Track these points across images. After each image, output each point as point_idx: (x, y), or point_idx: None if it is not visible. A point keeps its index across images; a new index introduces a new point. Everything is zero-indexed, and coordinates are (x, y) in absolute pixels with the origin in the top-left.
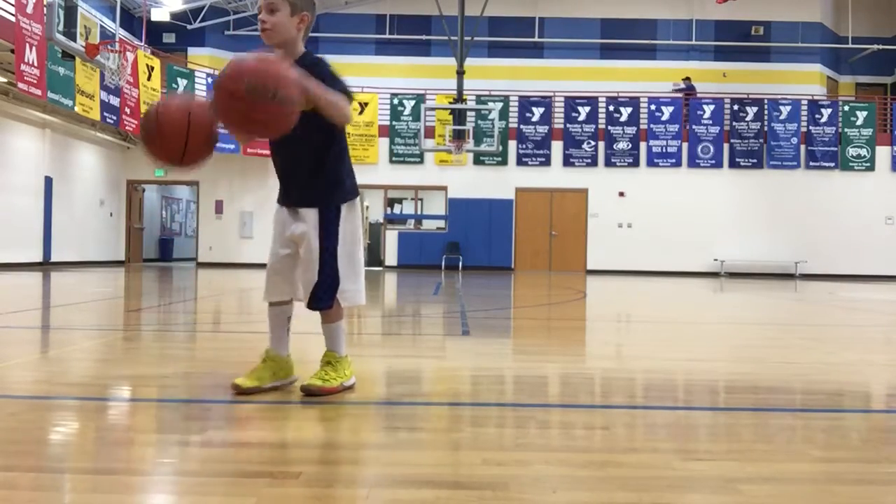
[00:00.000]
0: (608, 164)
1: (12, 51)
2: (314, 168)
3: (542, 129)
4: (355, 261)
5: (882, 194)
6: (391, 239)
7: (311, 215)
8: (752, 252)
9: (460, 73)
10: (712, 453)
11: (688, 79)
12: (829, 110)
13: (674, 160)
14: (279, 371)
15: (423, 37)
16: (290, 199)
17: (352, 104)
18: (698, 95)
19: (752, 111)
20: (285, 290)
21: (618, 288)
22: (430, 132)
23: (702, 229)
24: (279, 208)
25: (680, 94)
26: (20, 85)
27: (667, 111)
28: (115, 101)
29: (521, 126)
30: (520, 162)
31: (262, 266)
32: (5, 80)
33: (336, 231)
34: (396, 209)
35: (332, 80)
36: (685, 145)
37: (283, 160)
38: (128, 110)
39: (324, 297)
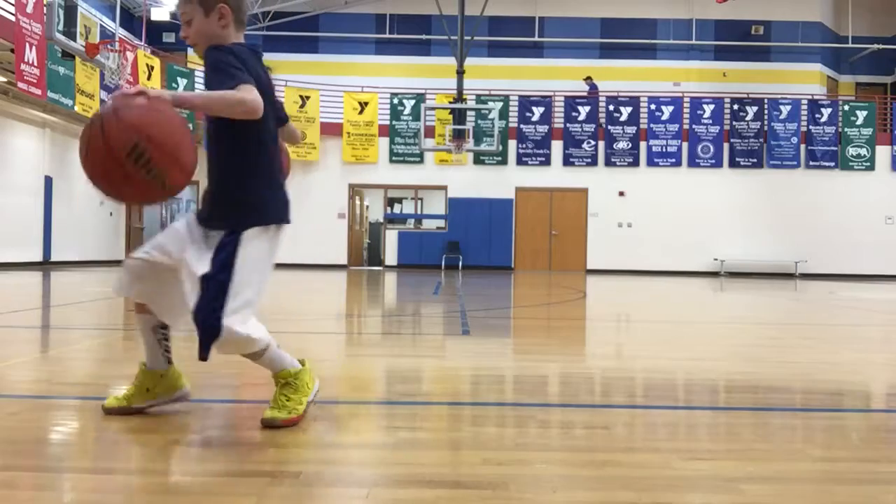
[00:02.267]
0: (608, 163)
1: (12, 50)
2: (217, 180)
3: (542, 128)
4: (244, 298)
5: (882, 194)
6: (391, 238)
7: (212, 237)
8: (752, 251)
9: (460, 72)
10: (712, 453)
11: (589, 78)
12: (829, 110)
13: (674, 160)
14: (156, 388)
15: (423, 36)
16: (200, 214)
17: (242, 92)
18: (696, 95)
19: (751, 111)
20: (143, 287)
21: (618, 287)
22: (430, 132)
23: (702, 229)
24: (191, 216)
25: (585, 93)
26: (20, 84)
27: (667, 111)
28: None
29: (521, 125)
30: (520, 161)
31: None
32: (5, 79)
33: (229, 260)
34: (396, 209)
35: (210, 73)
36: (685, 145)
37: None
38: None
39: (205, 342)
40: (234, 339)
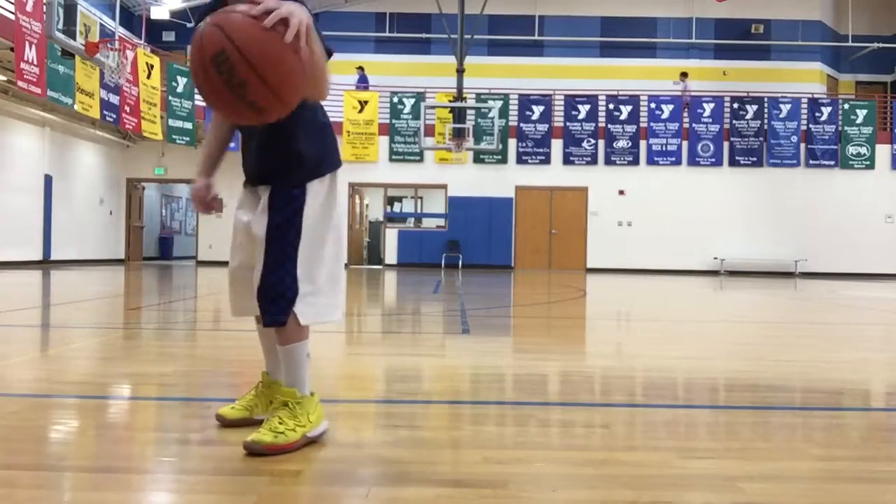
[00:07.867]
0: (608, 162)
1: (12, 49)
2: (266, 136)
3: (542, 127)
4: (324, 260)
5: (882, 193)
6: (391, 237)
7: (263, 195)
8: (752, 250)
9: (460, 71)
10: (712, 451)
11: (360, 68)
12: (829, 108)
13: (674, 158)
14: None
15: (423, 35)
16: (246, 175)
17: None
18: (697, 93)
19: (751, 109)
20: (248, 303)
21: (617, 286)
22: (430, 130)
23: (701, 227)
24: (242, 193)
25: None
26: (20, 83)
27: (667, 109)
28: (114, 99)
29: (521, 124)
30: (520, 160)
31: None
32: (5, 78)
33: (293, 217)
34: (396, 207)
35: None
36: (685, 143)
37: (241, 129)
38: (127, 108)
39: (269, 307)
40: (312, 301)
